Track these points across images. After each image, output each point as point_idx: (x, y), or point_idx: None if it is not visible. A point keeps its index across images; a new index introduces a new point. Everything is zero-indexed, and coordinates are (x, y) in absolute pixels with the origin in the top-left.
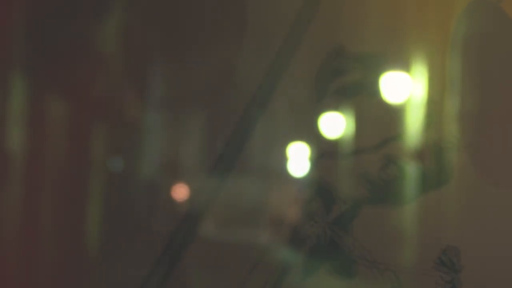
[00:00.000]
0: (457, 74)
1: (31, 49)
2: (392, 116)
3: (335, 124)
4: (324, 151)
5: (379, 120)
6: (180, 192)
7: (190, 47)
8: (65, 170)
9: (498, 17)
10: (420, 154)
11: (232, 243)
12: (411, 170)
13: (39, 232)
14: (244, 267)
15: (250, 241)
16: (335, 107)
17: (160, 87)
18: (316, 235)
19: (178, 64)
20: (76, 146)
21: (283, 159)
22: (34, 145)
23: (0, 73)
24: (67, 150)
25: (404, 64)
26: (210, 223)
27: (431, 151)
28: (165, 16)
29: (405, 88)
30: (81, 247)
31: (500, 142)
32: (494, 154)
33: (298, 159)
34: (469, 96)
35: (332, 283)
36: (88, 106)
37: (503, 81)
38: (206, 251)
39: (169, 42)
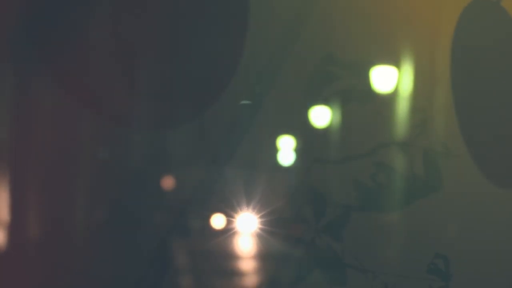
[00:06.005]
0: (455, 77)
1: (24, 39)
2: (383, 123)
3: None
4: (315, 158)
5: (370, 127)
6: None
7: (185, 42)
8: (56, 161)
9: (499, 17)
10: (411, 162)
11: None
12: (401, 177)
13: (29, 226)
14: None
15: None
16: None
17: (155, 79)
18: (307, 241)
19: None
20: (68, 136)
21: (274, 165)
22: (23, 134)
23: None
24: (58, 140)
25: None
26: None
27: (422, 158)
28: (163, 8)
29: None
30: (74, 239)
31: (499, 143)
32: (494, 154)
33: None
34: (466, 98)
35: None
36: (80, 96)
37: (503, 82)
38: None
39: (165, 35)
